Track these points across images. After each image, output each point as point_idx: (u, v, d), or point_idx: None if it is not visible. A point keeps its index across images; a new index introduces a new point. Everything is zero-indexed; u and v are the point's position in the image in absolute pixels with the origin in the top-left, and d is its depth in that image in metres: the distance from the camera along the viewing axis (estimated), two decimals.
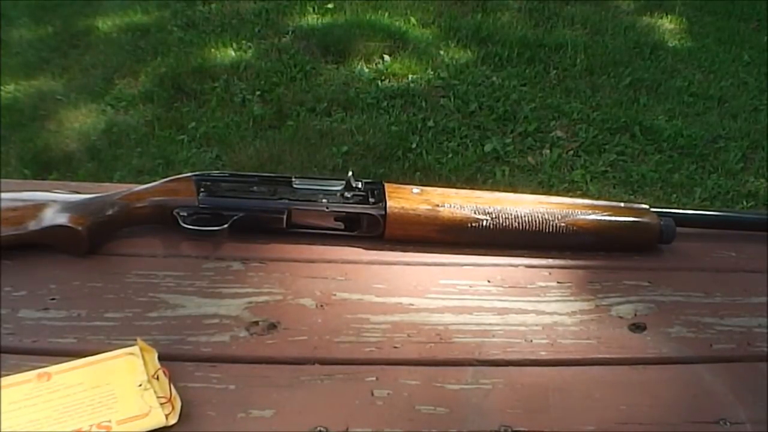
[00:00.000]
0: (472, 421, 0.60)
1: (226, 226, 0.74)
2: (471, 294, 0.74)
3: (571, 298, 0.75)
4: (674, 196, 2.23)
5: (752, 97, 2.78)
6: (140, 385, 0.59)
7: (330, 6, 3.16)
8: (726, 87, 2.84)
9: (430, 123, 2.46)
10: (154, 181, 0.77)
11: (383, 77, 2.70)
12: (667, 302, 0.75)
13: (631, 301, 0.75)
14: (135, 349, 0.62)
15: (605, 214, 0.81)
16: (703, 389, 0.65)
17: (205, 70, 2.68)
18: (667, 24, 3.31)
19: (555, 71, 2.83)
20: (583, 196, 2.15)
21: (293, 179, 0.79)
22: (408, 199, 0.78)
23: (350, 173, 0.79)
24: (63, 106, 2.49)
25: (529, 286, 0.76)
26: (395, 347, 0.66)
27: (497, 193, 0.81)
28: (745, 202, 2.23)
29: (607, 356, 0.68)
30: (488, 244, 0.80)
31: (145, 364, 0.61)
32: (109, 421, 0.56)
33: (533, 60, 2.88)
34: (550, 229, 0.79)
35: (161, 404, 0.57)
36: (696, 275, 0.80)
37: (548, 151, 2.39)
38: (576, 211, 0.80)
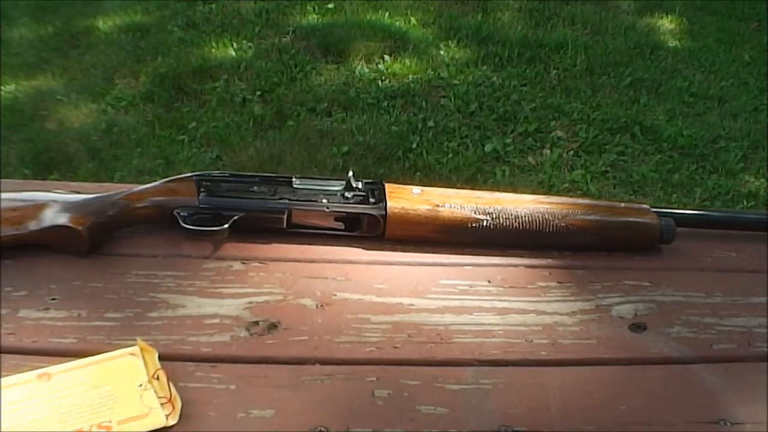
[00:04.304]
0: (472, 421, 0.60)
1: (226, 226, 0.74)
2: (471, 294, 0.74)
3: (572, 298, 0.75)
4: (674, 196, 2.23)
5: (752, 97, 2.78)
6: (140, 385, 0.59)
7: (330, 6, 3.16)
8: (726, 87, 2.84)
9: (431, 123, 2.46)
10: (155, 181, 0.77)
11: (383, 77, 2.70)
12: (668, 302, 0.75)
13: (632, 301, 0.75)
14: (135, 349, 0.62)
15: (605, 214, 0.81)
16: (703, 389, 0.65)
17: (206, 70, 2.68)
18: (667, 24, 3.31)
19: (555, 71, 2.83)
20: (584, 196, 2.15)
21: (293, 179, 0.79)
22: (408, 199, 0.78)
23: (350, 173, 0.79)
24: (63, 106, 2.48)
25: (529, 286, 0.76)
26: (395, 347, 0.66)
27: (497, 193, 0.81)
28: (745, 202, 2.23)
29: (608, 356, 0.68)
30: (488, 244, 0.79)
31: (145, 364, 0.61)
32: (110, 421, 0.56)
33: (533, 60, 2.88)
34: (551, 229, 0.79)
35: (161, 404, 0.57)
36: (696, 275, 0.80)
37: (548, 151, 2.39)
38: (576, 211, 0.80)
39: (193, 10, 3.10)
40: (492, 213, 0.78)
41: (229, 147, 2.30)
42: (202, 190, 0.76)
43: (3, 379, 0.58)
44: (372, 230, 0.78)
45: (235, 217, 0.75)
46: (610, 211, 0.82)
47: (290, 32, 2.96)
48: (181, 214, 0.75)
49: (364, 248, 0.78)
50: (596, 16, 3.27)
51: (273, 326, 0.67)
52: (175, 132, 2.36)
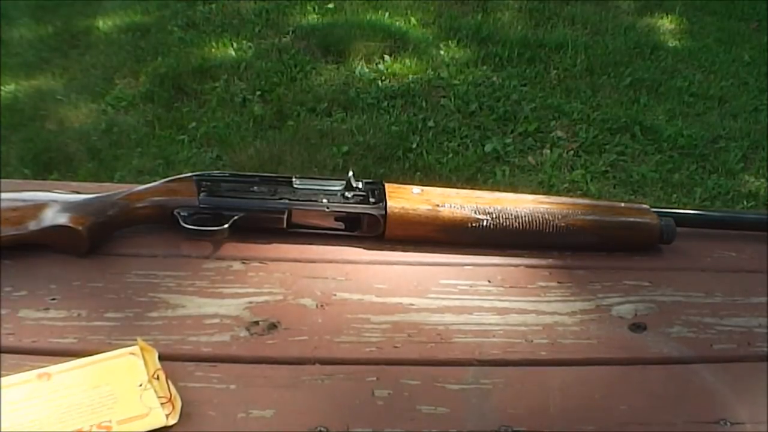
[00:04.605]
0: (472, 421, 0.60)
1: (226, 226, 0.74)
2: (471, 294, 0.74)
3: (572, 298, 0.75)
4: (674, 196, 2.23)
5: (752, 97, 2.78)
6: (141, 385, 0.59)
7: (330, 6, 3.16)
8: (726, 87, 2.84)
9: (431, 123, 2.46)
10: (155, 181, 0.77)
11: (383, 77, 2.70)
12: (668, 302, 0.75)
13: (632, 301, 0.75)
14: (135, 349, 0.62)
15: (605, 214, 0.81)
16: (703, 389, 0.65)
17: (206, 70, 2.68)
18: (667, 24, 3.31)
19: (555, 71, 2.83)
20: (584, 196, 2.15)
21: (293, 179, 0.79)
22: (408, 199, 0.78)
23: (350, 173, 0.79)
24: (63, 106, 2.49)
25: (529, 286, 0.76)
26: (396, 347, 0.66)
27: (497, 193, 0.81)
28: (745, 202, 2.23)
29: (608, 356, 0.68)
30: (488, 244, 0.79)
31: (145, 364, 0.61)
32: (110, 421, 0.56)
33: (533, 60, 2.88)
34: (551, 229, 0.79)
35: (161, 404, 0.57)
36: (696, 275, 0.80)
37: (548, 151, 2.39)
38: (576, 211, 0.80)
39: (193, 10, 3.10)
40: (492, 213, 0.78)
41: (229, 147, 2.30)
42: (202, 190, 0.76)
43: (3, 379, 0.58)
44: (372, 230, 0.78)
45: (235, 217, 0.75)
46: (610, 211, 0.82)
47: (290, 32, 2.96)
48: (181, 214, 0.75)
49: (364, 248, 0.78)
50: (596, 16, 3.27)
51: (273, 326, 0.67)
52: (175, 132, 2.36)
